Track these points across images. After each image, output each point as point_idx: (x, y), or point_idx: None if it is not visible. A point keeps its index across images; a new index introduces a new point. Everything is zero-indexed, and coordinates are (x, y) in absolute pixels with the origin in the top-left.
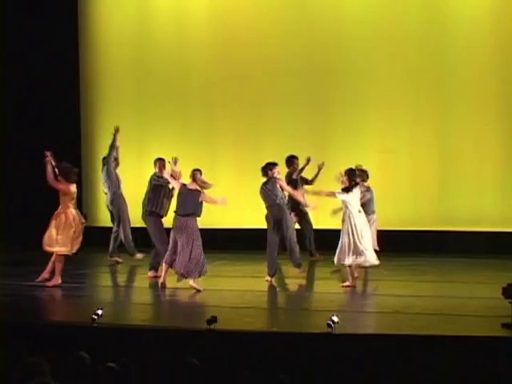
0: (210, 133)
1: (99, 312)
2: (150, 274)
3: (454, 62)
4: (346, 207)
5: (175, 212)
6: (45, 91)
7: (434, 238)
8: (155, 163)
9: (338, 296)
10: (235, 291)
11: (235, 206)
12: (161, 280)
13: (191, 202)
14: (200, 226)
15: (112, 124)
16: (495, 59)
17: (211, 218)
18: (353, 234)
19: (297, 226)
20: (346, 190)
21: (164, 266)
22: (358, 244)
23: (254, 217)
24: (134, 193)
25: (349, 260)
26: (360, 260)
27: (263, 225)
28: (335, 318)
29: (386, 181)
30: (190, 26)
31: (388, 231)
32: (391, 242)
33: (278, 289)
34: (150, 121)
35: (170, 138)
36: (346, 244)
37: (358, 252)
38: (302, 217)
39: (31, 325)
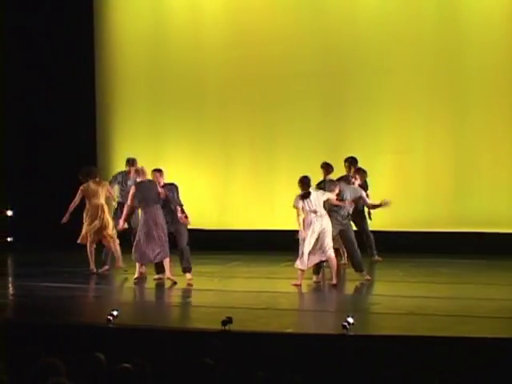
0: (224, 134)
1: (115, 313)
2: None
3: (469, 62)
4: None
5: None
6: (61, 92)
7: (448, 239)
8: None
9: (352, 297)
10: (250, 292)
11: (249, 207)
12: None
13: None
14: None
15: (127, 124)
16: (510, 59)
17: (224, 219)
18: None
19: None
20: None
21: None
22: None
23: (268, 218)
24: None
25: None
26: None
27: (276, 226)
28: (350, 320)
29: (400, 181)
30: (205, 27)
31: (402, 232)
32: (405, 243)
33: (292, 290)
34: (164, 121)
35: (184, 138)
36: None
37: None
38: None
39: (47, 325)
